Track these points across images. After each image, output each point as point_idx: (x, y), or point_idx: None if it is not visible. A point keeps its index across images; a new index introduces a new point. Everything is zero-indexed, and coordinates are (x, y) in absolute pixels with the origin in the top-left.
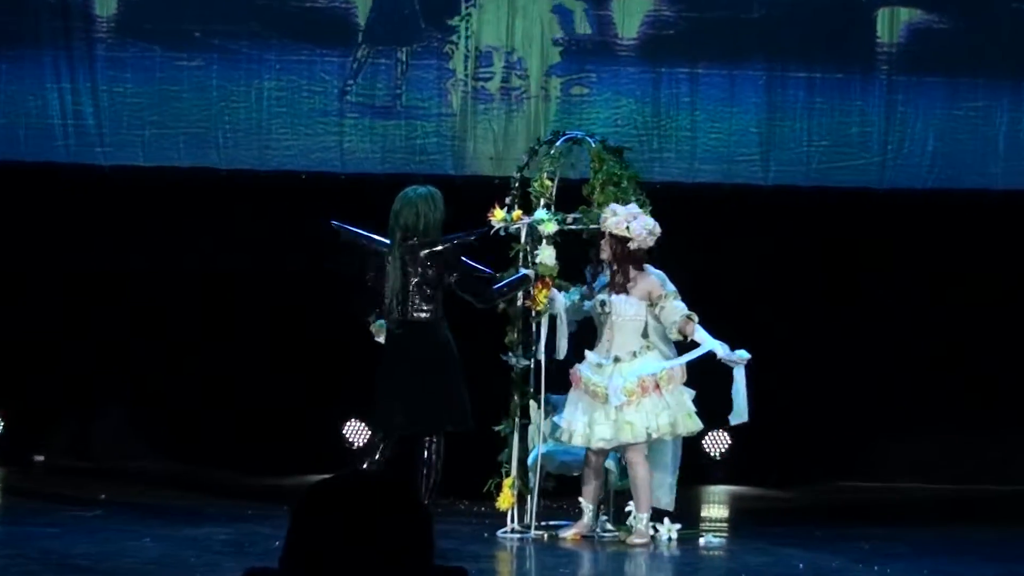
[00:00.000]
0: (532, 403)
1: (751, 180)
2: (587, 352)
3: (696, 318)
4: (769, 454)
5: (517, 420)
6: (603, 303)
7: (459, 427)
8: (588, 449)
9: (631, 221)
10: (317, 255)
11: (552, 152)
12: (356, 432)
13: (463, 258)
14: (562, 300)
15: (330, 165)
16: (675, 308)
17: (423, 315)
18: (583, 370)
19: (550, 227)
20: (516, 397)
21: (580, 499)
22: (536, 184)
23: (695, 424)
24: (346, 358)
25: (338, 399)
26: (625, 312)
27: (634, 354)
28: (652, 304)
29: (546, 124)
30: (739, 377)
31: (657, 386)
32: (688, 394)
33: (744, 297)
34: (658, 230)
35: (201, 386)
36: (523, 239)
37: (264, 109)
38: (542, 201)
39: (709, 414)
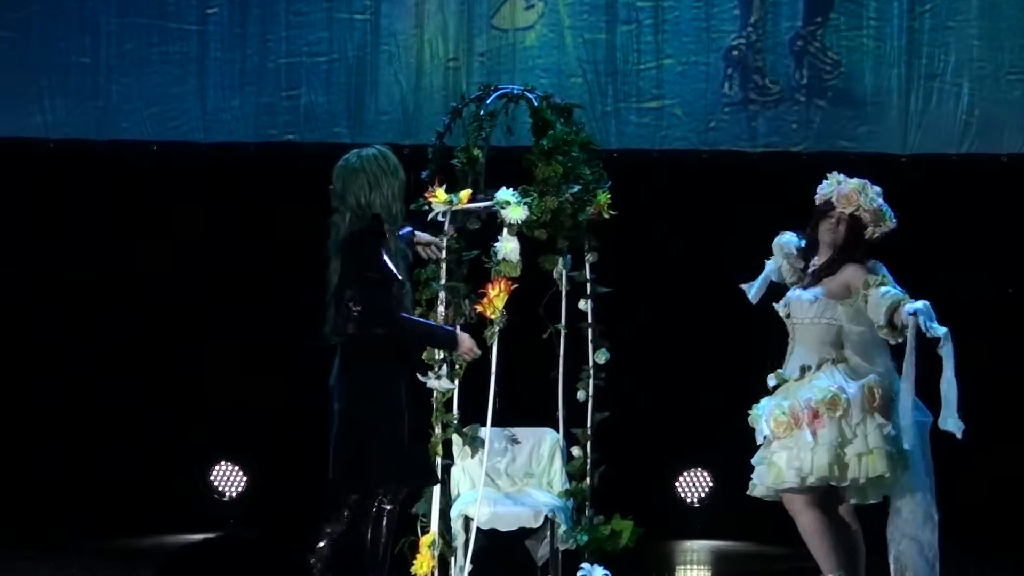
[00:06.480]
0: (457, 437)
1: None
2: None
3: (909, 300)
4: None
5: (439, 460)
6: (787, 301)
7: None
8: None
9: (863, 196)
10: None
11: (482, 112)
12: (226, 478)
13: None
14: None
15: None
16: (880, 296)
17: None
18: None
19: (517, 212)
20: (437, 430)
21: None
22: (461, 154)
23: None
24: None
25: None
26: (802, 312)
27: (802, 370)
28: (850, 302)
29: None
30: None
31: (817, 415)
32: (881, 427)
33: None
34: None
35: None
36: (446, 227)
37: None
38: (469, 177)
39: None
